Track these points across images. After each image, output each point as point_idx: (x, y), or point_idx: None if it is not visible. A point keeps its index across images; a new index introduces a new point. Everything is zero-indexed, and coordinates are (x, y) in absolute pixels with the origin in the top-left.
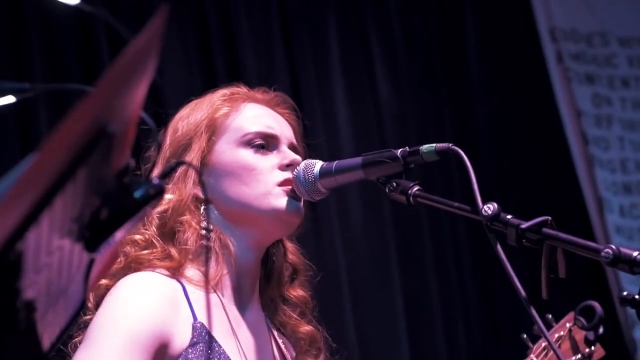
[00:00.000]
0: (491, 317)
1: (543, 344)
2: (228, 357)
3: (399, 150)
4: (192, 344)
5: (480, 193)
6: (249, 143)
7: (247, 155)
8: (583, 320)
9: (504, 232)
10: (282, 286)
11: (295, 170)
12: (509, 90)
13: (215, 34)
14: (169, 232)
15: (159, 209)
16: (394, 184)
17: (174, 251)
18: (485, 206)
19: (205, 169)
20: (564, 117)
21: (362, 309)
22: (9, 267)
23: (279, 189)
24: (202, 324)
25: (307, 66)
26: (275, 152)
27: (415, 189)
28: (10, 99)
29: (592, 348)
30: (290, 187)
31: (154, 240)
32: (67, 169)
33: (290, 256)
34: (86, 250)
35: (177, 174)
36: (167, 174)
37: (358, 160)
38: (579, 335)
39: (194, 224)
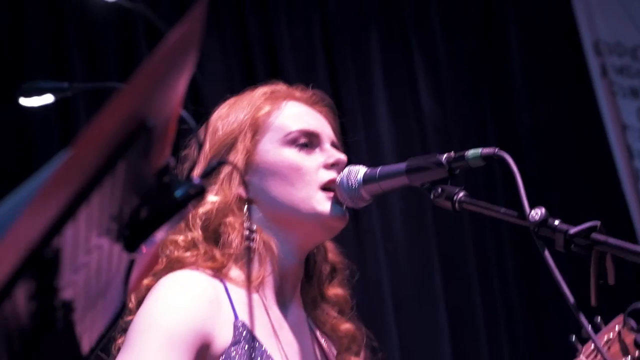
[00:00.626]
0: (536, 328)
1: (593, 346)
2: (270, 356)
3: (444, 156)
4: (234, 343)
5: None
6: (293, 142)
7: (292, 155)
8: (633, 322)
9: (552, 238)
10: (322, 285)
11: (339, 177)
12: (553, 104)
13: (256, 47)
14: (212, 234)
15: (203, 210)
16: (439, 189)
17: (217, 253)
18: (532, 211)
19: (249, 169)
20: (608, 131)
21: (405, 322)
22: (47, 263)
23: (322, 195)
24: (244, 323)
25: (349, 78)
26: (318, 150)
27: (461, 194)
28: (49, 99)
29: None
30: (333, 193)
31: (197, 242)
32: (105, 163)
33: (330, 255)
34: (126, 251)
35: (221, 175)
36: (208, 174)
37: (402, 166)
38: (629, 338)
39: (237, 225)
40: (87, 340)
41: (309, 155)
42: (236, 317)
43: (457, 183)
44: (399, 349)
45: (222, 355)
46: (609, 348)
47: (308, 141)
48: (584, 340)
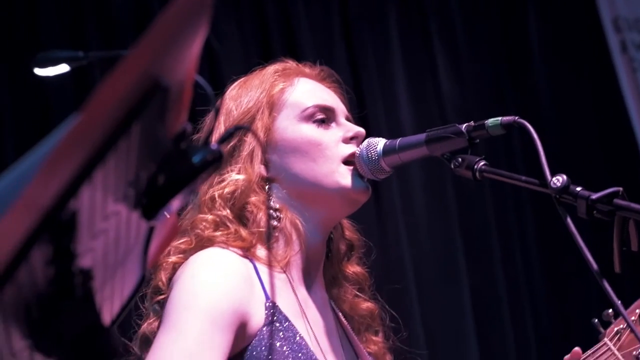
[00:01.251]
0: (560, 304)
1: (615, 329)
2: (303, 337)
3: (464, 125)
4: (266, 324)
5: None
6: (310, 117)
7: (311, 130)
8: None
9: (574, 204)
10: (340, 263)
11: (358, 149)
12: (573, 82)
13: (274, 30)
14: (238, 213)
15: (229, 189)
16: (459, 159)
17: (245, 232)
18: (554, 178)
19: (268, 147)
20: (629, 107)
21: (428, 299)
22: (63, 226)
23: (345, 168)
24: (275, 303)
25: (368, 63)
26: (334, 124)
27: (482, 164)
28: (64, 68)
29: None
30: (354, 166)
31: (226, 221)
32: (120, 124)
33: (347, 232)
34: (144, 218)
35: (243, 153)
36: (225, 139)
37: (422, 136)
38: None
39: (261, 205)
40: (107, 311)
41: (327, 130)
42: (267, 297)
43: (477, 153)
44: (422, 327)
45: (255, 336)
46: (627, 335)
47: (325, 117)
48: (606, 323)
